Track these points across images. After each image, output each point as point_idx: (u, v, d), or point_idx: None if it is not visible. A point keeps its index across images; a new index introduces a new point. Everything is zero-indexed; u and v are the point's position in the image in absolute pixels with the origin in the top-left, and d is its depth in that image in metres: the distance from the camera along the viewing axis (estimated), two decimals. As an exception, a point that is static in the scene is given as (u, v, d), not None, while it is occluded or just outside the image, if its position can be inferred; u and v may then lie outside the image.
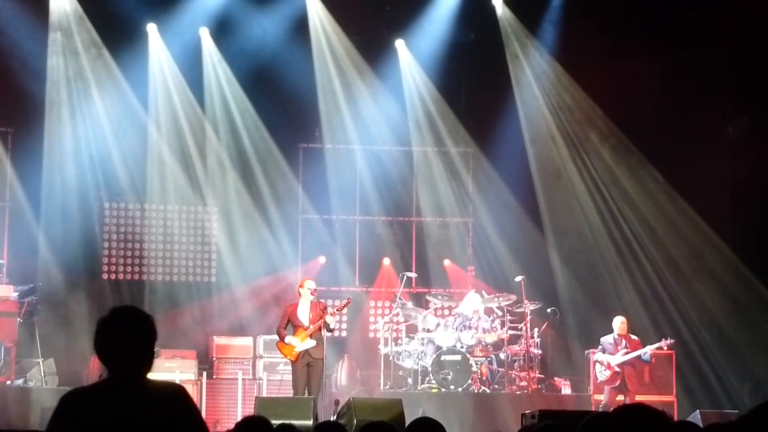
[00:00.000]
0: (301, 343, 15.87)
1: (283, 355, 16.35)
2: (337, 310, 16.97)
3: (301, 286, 16.34)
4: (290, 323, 16.08)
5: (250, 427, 6.40)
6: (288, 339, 15.93)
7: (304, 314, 16.06)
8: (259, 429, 6.37)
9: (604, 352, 17.41)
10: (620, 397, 17.15)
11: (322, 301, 16.73)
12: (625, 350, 17.28)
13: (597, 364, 17.49)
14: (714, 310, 19.68)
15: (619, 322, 17.53)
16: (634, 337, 17.57)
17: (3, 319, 17.52)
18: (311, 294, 16.09)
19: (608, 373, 17.24)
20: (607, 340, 17.50)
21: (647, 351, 17.31)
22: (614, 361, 17.24)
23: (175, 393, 5.17)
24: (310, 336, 15.88)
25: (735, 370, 19.33)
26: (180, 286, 20.37)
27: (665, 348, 17.57)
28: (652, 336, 18.29)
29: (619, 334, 17.44)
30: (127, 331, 5.10)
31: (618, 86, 19.88)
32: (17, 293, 17.94)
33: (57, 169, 19.49)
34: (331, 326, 16.10)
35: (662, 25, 19.98)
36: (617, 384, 17.22)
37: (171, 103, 20.21)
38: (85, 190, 19.72)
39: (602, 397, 17.41)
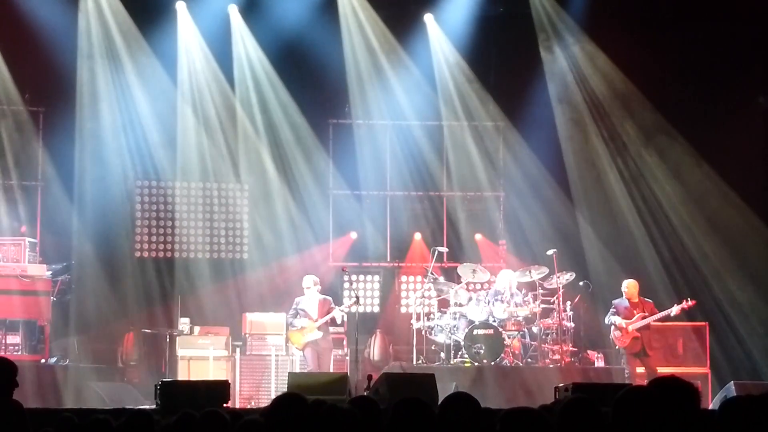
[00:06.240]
0: (309, 333, 17.00)
1: (291, 343, 17.30)
2: (346, 308, 17.45)
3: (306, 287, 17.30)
4: (299, 315, 17.10)
5: (286, 403, 6.44)
6: (298, 322, 17.04)
7: (312, 307, 17.13)
8: (295, 405, 6.41)
9: (617, 315, 17.28)
10: (640, 369, 17.07)
11: (329, 298, 17.48)
12: (642, 314, 17.16)
13: (612, 327, 17.33)
14: (747, 282, 19.56)
15: (633, 285, 17.43)
16: (647, 300, 17.49)
17: (37, 298, 17.65)
18: (308, 287, 17.19)
19: (627, 339, 17.13)
20: (621, 303, 17.35)
21: (670, 313, 17.11)
22: (633, 325, 17.12)
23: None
24: (318, 328, 17.02)
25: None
26: (212, 263, 20.40)
27: (686, 309, 17.36)
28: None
29: (630, 298, 17.28)
30: None
31: (647, 58, 19.75)
32: (50, 272, 18.06)
33: (89, 148, 19.56)
34: (338, 321, 17.28)
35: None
36: (638, 350, 17.11)
37: (201, 80, 20.23)
38: (116, 169, 19.79)
39: (626, 369, 17.31)
